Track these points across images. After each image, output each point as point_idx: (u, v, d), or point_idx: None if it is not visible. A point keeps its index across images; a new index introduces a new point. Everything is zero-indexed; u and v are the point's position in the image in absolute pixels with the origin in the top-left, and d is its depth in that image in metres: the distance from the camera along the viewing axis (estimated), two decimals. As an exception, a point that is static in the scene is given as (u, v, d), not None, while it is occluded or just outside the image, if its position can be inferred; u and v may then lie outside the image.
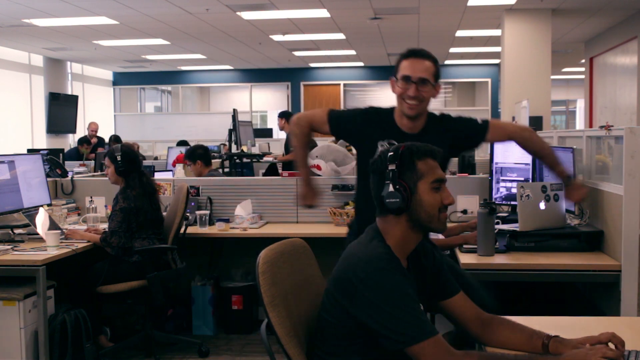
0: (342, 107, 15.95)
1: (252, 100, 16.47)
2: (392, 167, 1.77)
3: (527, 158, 3.91)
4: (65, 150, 9.33)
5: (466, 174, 5.20)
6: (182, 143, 9.47)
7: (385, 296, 1.65)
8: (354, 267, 1.71)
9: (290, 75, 15.94)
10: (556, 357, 1.70)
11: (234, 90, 16.86)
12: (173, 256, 4.06)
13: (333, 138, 12.55)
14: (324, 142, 6.31)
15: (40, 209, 4.09)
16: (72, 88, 14.28)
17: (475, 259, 3.01)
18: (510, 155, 4.05)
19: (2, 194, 3.89)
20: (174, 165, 6.19)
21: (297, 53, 13.37)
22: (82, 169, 6.76)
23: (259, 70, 15.89)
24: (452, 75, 15.91)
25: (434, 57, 2.58)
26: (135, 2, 8.31)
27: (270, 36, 11.07)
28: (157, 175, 5.46)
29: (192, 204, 4.66)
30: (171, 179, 5.11)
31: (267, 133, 13.14)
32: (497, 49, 10.49)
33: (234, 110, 7.55)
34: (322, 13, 9.06)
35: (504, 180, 4.06)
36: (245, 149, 7.47)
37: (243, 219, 4.48)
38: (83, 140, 10.04)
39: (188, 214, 4.49)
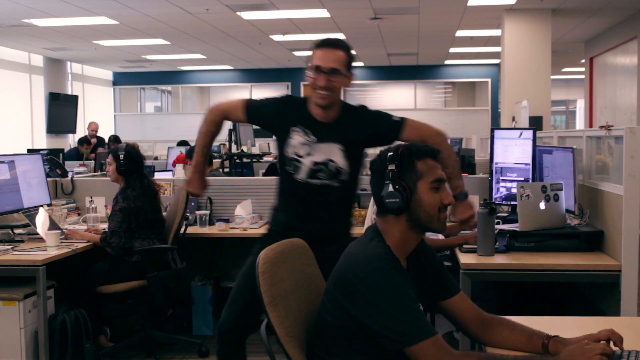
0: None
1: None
2: (391, 167, 1.78)
3: (527, 158, 3.91)
4: (65, 150, 9.33)
5: (466, 174, 5.20)
6: (182, 143, 9.46)
7: (385, 296, 1.65)
8: (354, 267, 1.71)
9: (290, 75, 15.94)
10: (554, 356, 1.70)
11: (234, 90, 16.85)
12: (173, 256, 4.06)
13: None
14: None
15: (40, 209, 4.09)
16: (72, 88, 14.28)
17: (475, 259, 3.01)
18: (510, 155, 4.05)
19: (2, 194, 3.89)
20: (174, 165, 6.19)
21: (297, 53, 13.37)
22: (82, 169, 6.76)
23: (259, 70, 15.89)
24: (452, 75, 15.92)
25: (346, 46, 2.58)
26: (135, 2, 8.31)
27: (270, 36, 11.08)
28: (157, 175, 5.46)
29: (192, 204, 4.66)
30: (171, 179, 5.11)
31: (267, 133, 12.99)
32: (497, 49, 10.49)
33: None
34: (322, 13, 9.06)
35: (504, 180, 4.06)
36: (245, 149, 7.47)
37: (243, 219, 4.48)
38: (83, 140, 10.04)
39: (188, 214, 4.49)
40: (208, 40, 11.36)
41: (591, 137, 3.50)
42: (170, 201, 4.43)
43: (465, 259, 3.03)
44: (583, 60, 12.56)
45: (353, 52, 2.62)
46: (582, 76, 13.06)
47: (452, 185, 2.63)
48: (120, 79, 16.46)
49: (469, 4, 8.58)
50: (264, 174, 7.08)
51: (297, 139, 2.59)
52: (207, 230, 4.41)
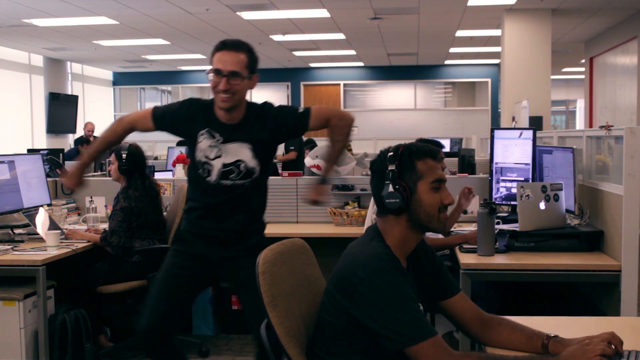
0: (342, 107, 15.98)
1: (252, 100, 16.43)
2: (391, 167, 1.78)
3: (527, 158, 3.92)
4: (65, 150, 9.33)
5: (466, 174, 5.20)
6: (182, 143, 9.45)
7: (385, 296, 1.65)
8: (354, 267, 1.71)
9: (290, 75, 15.94)
10: (555, 356, 1.70)
11: (234, 90, 16.84)
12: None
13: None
14: (324, 142, 6.31)
15: (40, 209, 4.09)
16: (72, 88, 14.28)
17: (475, 259, 3.02)
18: (510, 155, 4.05)
19: (2, 194, 3.89)
20: (174, 165, 6.18)
21: (297, 53, 13.37)
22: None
23: (259, 70, 15.79)
24: (452, 75, 15.92)
25: (248, 48, 2.59)
26: (135, 2, 8.32)
27: (270, 36, 11.08)
28: (157, 175, 5.46)
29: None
30: (171, 179, 5.11)
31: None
32: (497, 49, 10.49)
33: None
34: (322, 13, 9.06)
35: (504, 180, 4.06)
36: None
37: (243, 219, 4.47)
38: (82, 140, 10.04)
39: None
40: (208, 40, 11.35)
41: (591, 137, 3.50)
42: (170, 201, 4.43)
43: (465, 259, 3.03)
44: (583, 60, 12.56)
45: (255, 53, 2.64)
46: (582, 76, 13.06)
47: (325, 166, 2.72)
48: (120, 79, 16.46)
49: (469, 4, 8.58)
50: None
51: (205, 142, 2.61)
52: (207, 230, 4.40)
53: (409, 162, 1.78)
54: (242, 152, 2.61)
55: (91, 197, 4.72)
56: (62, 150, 8.46)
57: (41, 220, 3.96)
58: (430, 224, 1.79)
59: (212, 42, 10.60)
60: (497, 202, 3.96)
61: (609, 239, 3.06)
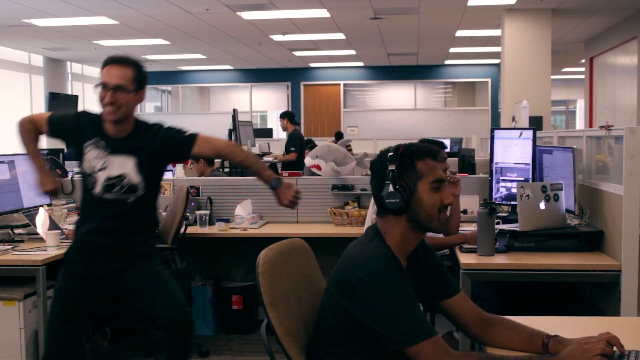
0: (342, 107, 15.99)
1: (252, 100, 16.48)
2: (391, 167, 1.78)
3: (527, 158, 3.92)
4: (65, 150, 9.32)
5: (466, 174, 5.20)
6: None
7: (385, 296, 1.65)
8: (354, 267, 1.71)
9: (290, 75, 15.95)
10: (554, 356, 1.70)
11: (234, 90, 16.87)
12: (173, 256, 4.05)
13: (333, 138, 12.52)
14: (324, 142, 6.31)
15: (40, 209, 4.09)
16: (72, 88, 14.29)
17: (475, 259, 3.01)
18: (510, 155, 4.05)
19: (2, 194, 3.89)
20: (173, 166, 6.19)
21: (297, 53, 13.37)
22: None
23: (259, 70, 15.89)
24: (452, 75, 15.92)
25: (134, 63, 2.64)
26: (135, 2, 8.32)
27: (270, 36, 11.08)
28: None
29: (192, 204, 4.66)
30: (171, 179, 5.11)
31: (267, 133, 13.14)
32: (497, 49, 10.49)
33: (234, 110, 7.56)
34: (322, 13, 9.06)
35: (504, 180, 4.06)
36: (245, 149, 7.47)
37: (243, 219, 4.48)
38: None
39: (188, 214, 4.49)
40: (208, 40, 11.36)
41: (591, 137, 3.50)
42: (170, 201, 4.43)
43: (465, 259, 3.03)
44: (583, 60, 12.57)
45: (144, 69, 2.69)
46: (582, 76, 13.06)
47: (263, 178, 2.73)
48: (120, 79, 16.44)
49: (469, 4, 8.58)
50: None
51: (92, 153, 2.67)
52: (207, 230, 4.41)
53: (409, 162, 1.78)
54: (126, 167, 2.66)
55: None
56: (62, 150, 8.44)
57: (41, 220, 3.96)
58: (430, 224, 1.79)
59: (212, 42, 10.61)
60: (497, 202, 3.96)
61: (609, 239, 3.06)
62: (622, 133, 2.84)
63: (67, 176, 5.13)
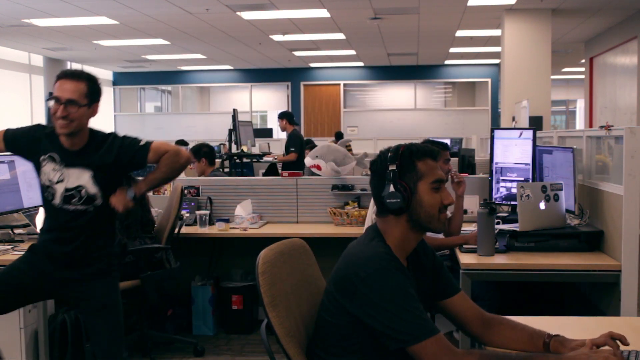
0: (342, 107, 15.99)
1: (252, 100, 16.48)
2: (392, 167, 1.78)
3: (527, 158, 3.92)
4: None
5: (466, 174, 5.20)
6: (180, 142, 9.45)
7: (386, 295, 1.65)
8: (354, 266, 1.71)
9: (290, 75, 15.95)
10: (557, 356, 1.70)
11: (234, 90, 16.87)
12: (167, 256, 4.04)
13: (333, 138, 12.51)
14: (324, 142, 6.31)
15: (40, 209, 4.08)
16: (72, 88, 14.26)
17: (475, 259, 3.01)
18: (510, 155, 4.05)
19: (2, 194, 3.89)
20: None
21: (297, 53, 13.37)
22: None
23: (259, 70, 15.89)
24: (452, 75, 15.92)
25: (88, 77, 2.68)
26: (135, 2, 8.32)
27: (270, 36, 11.08)
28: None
29: (192, 204, 4.66)
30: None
31: (267, 133, 13.14)
32: (497, 49, 10.50)
33: (234, 110, 7.56)
34: (322, 13, 9.06)
35: (504, 180, 4.06)
36: (245, 149, 7.47)
37: (243, 219, 4.48)
38: None
39: (184, 214, 4.50)
40: (208, 40, 11.36)
41: (591, 137, 3.50)
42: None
43: (465, 259, 3.03)
44: (583, 60, 12.57)
45: (98, 84, 2.73)
46: (582, 76, 13.06)
47: (138, 183, 2.80)
48: (120, 79, 16.46)
49: (469, 4, 8.58)
50: (264, 174, 7.08)
51: (49, 166, 2.71)
52: (207, 230, 4.41)
53: (409, 162, 1.78)
54: (83, 178, 2.69)
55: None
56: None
57: (41, 220, 3.95)
58: (430, 224, 1.79)
59: (212, 42, 10.59)
60: (497, 202, 3.96)
61: (609, 239, 3.06)
62: (622, 133, 2.84)
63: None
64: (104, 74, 16.04)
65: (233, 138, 7.12)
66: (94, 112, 2.71)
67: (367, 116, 15.97)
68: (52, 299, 3.44)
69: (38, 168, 2.73)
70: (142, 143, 2.76)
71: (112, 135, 2.78)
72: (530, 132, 3.94)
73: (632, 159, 2.78)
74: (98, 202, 2.71)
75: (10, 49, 12.04)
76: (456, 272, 3.06)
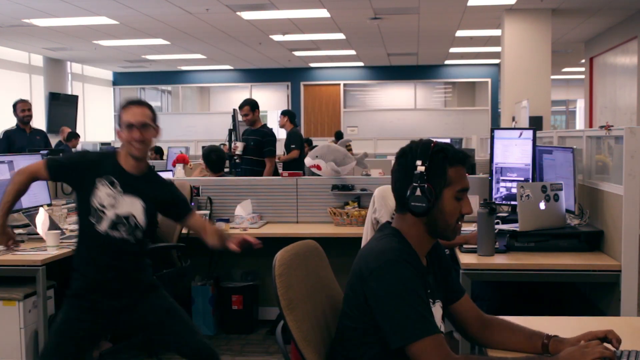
0: (342, 107, 15.99)
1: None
2: (421, 167, 1.72)
3: (527, 158, 3.91)
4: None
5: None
6: (71, 135, 9.92)
7: (391, 288, 1.63)
8: (367, 259, 1.69)
9: (290, 75, 15.95)
10: (553, 356, 1.69)
11: (234, 90, 16.86)
12: (179, 254, 4.07)
13: (333, 138, 12.49)
14: (324, 142, 6.31)
15: (40, 209, 4.09)
16: (72, 88, 14.28)
17: (475, 259, 3.01)
18: (510, 155, 4.05)
19: (2, 194, 3.89)
20: (173, 165, 6.19)
21: (297, 53, 13.37)
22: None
23: (259, 70, 15.89)
24: (452, 75, 15.92)
25: (147, 104, 2.82)
26: (135, 2, 8.32)
27: (270, 36, 11.08)
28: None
29: (192, 204, 4.66)
30: (171, 179, 5.10)
31: (267, 133, 13.10)
32: (497, 49, 10.50)
33: (234, 110, 7.54)
34: (322, 13, 9.06)
35: (504, 180, 4.06)
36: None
37: (243, 219, 4.48)
38: (72, 136, 10.06)
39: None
40: (208, 40, 11.36)
41: (591, 137, 3.50)
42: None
43: (465, 259, 3.03)
44: (583, 60, 12.57)
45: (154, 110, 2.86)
46: (582, 76, 13.06)
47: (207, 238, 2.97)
48: (120, 79, 16.46)
49: (469, 4, 8.58)
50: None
51: (103, 190, 2.71)
52: (207, 230, 4.40)
53: (440, 166, 1.73)
54: (135, 207, 2.74)
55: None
56: (62, 150, 8.46)
57: (41, 220, 3.95)
58: (445, 231, 1.77)
59: (212, 42, 10.61)
60: (497, 202, 3.96)
61: (609, 239, 3.06)
62: (622, 133, 2.84)
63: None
64: (104, 74, 16.04)
65: (233, 138, 7.11)
66: (157, 134, 2.81)
67: (367, 116, 15.97)
68: (115, 329, 3.46)
69: (89, 191, 2.70)
70: (188, 201, 2.93)
71: (169, 180, 3.00)
72: (530, 132, 3.94)
73: (632, 159, 2.79)
74: (139, 234, 2.76)
75: (10, 49, 12.04)
76: (456, 272, 3.05)
